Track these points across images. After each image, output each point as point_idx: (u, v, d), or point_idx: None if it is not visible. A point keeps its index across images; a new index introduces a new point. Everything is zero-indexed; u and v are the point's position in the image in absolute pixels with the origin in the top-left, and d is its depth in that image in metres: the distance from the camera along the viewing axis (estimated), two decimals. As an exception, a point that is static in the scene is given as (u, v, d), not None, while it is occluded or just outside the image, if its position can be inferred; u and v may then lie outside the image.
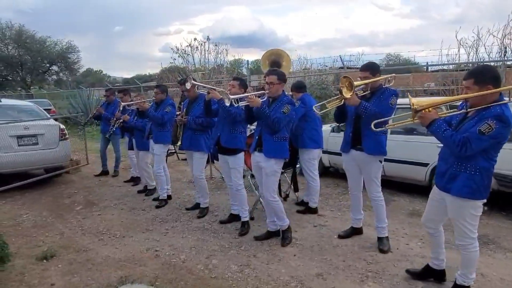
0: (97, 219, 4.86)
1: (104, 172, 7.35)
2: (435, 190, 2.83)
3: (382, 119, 3.10)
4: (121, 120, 5.67)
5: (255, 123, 4.00)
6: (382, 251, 3.59)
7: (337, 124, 6.38)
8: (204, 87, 4.47)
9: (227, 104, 3.63)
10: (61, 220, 4.86)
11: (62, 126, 6.91)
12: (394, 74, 3.68)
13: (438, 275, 3.01)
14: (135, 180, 6.59)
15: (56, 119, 7.92)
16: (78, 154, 8.55)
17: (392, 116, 3.13)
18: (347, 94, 3.26)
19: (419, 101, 2.54)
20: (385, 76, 3.60)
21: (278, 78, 3.69)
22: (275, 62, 4.97)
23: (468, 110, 2.55)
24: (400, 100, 6.36)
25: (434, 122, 2.51)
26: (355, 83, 3.28)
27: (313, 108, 3.93)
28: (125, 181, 6.71)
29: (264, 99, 3.67)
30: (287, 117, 3.61)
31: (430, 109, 2.53)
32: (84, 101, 15.99)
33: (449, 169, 2.59)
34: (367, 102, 3.37)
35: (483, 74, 2.47)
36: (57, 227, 4.62)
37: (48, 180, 6.79)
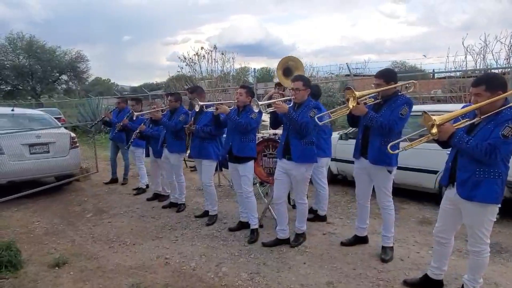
0: (107, 227, 4.90)
1: (114, 180, 7.41)
2: (446, 199, 2.81)
3: (397, 141, 3.08)
4: (137, 131, 5.72)
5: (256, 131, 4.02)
6: (383, 260, 3.56)
7: (345, 132, 6.40)
8: (212, 104, 4.49)
9: (256, 110, 3.65)
10: (72, 228, 4.91)
11: (73, 135, 6.99)
12: (413, 81, 3.55)
13: (436, 285, 3.00)
14: (140, 190, 6.63)
15: (66, 128, 8.03)
16: (88, 162, 8.64)
17: (407, 136, 3.00)
18: (351, 104, 3.24)
19: (438, 117, 2.52)
20: (402, 82, 3.49)
21: (304, 84, 3.73)
22: (289, 69, 4.97)
23: (475, 117, 2.59)
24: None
25: (454, 135, 2.52)
26: (357, 94, 3.25)
27: (315, 118, 3.84)
28: (133, 189, 6.75)
29: (290, 104, 3.70)
30: (314, 121, 3.61)
31: (445, 124, 2.52)
32: (93, 110, 16.19)
33: (471, 177, 2.56)
34: (374, 112, 3.33)
35: (493, 81, 2.53)
36: (68, 234, 4.67)
37: (58, 187, 6.86)
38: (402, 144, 3.13)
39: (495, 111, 2.49)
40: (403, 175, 5.33)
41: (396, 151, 3.11)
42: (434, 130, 2.49)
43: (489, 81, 2.52)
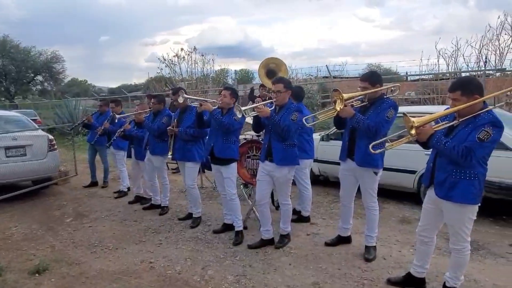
0: (88, 231, 4.80)
1: (94, 183, 7.27)
2: (428, 199, 2.89)
3: (379, 141, 3.13)
4: (121, 129, 5.62)
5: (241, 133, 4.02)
6: (367, 259, 3.63)
7: (327, 133, 6.48)
8: (196, 99, 4.47)
9: (239, 116, 3.64)
10: (52, 233, 4.79)
11: (51, 137, 6.82)
12: (398, 84, 3.62)
13: (419, 283, 3.08)
14: (122, 193, 6.52)
15: (43, 130, 7.82)
16: (66, 165, 8.45)
17: (388, 137, 3.12)
18: (338, 106, 3.29)
19: (417, 119, 2.59)
20: (388, 85, 3.57)
21: (285, 86, 3.75)
22: (272, 71, 5.00)
23: (454, 120, 2.66)
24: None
25: (433, 136, 2.58)
26: (345, 96, 3.29)
27: (303, 120, 3.90)
28: (114, 192, 6.64)
29: (272, 107, 3.72)
30: (296, 125, 3.64)
31: (424, 125, 2.59)
32: (71, 111, 15.78)
33: (448, 178, 2.64)
34: (361, 115, 3.38)
35: (468, 85, 2.59)
36: (48, 239, 4.55)
37: (36, 192, 6.68)
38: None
39: (473, 115, 2.55)
40: (383, 175, 5.42)
41: (378, 151, 3.15)
42: (413, 132, 2.57)
43: (464, 86, 2.58)
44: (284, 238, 4.09)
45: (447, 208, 2.71)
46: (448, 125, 2.69)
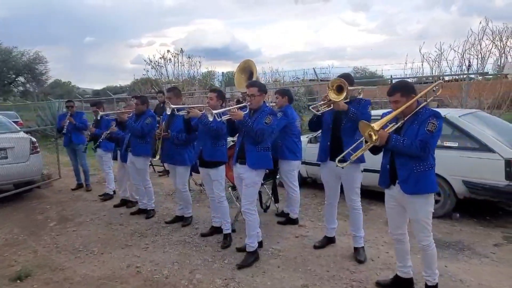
0: (73, 236, 4.70)
1: (80, 185, 7.16)
2: (389, 198, 3.01)
3: (343, 154, 3.28)
4: (108, 132, 5.53)
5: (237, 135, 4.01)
6: (359, 261, 3.64)
7: (314, 135, 6.50)
8: (183, 108, 4.42)
9: (211, 119, 3.60)
10: (34, 238, 4.66)
11: (34, 139, 6.67)
12: (362, 87, 3.86)
13: (407, 283, 3.12)
14: (107, 196, 6.42)
15: (26, 132, 7.64)
16: (49, 168, 8.27)
17: (350, 148, 3.24)
18: (339, 97, 3.32)
19: (376, 124, 2.74)
20: (357, 87, 3.75)
21: (259, 89, 3.72)
22: (252, 74, 4.99)
23: (400, 120, 2.88)
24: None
25: (391, 138, 2.75)
26: (350, 88, 3.35)
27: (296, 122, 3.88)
28: (100, 195, 6.52)
29: (246, 111, 3.69)
30: (270, 128, 3.62)
31: (380, 129, 2.74)
32: (54, 113, 15.45)
33: (411, 174, 2.79)
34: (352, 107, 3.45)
35: (406, 87, 2.88)
36: (30, 245, 4.43)
37: (18, 195, 6.51)
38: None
39: (413, 113, 2.82)
40: (370, 177, 5.48)
41: (344, 164, 3.21)
42: (375, 137, 2.70)
43: (403, 88, 2.84)
44: (250, 256, 3.72)
45: (412, 203, 2.83)
46: (396, 126, 2.88)
